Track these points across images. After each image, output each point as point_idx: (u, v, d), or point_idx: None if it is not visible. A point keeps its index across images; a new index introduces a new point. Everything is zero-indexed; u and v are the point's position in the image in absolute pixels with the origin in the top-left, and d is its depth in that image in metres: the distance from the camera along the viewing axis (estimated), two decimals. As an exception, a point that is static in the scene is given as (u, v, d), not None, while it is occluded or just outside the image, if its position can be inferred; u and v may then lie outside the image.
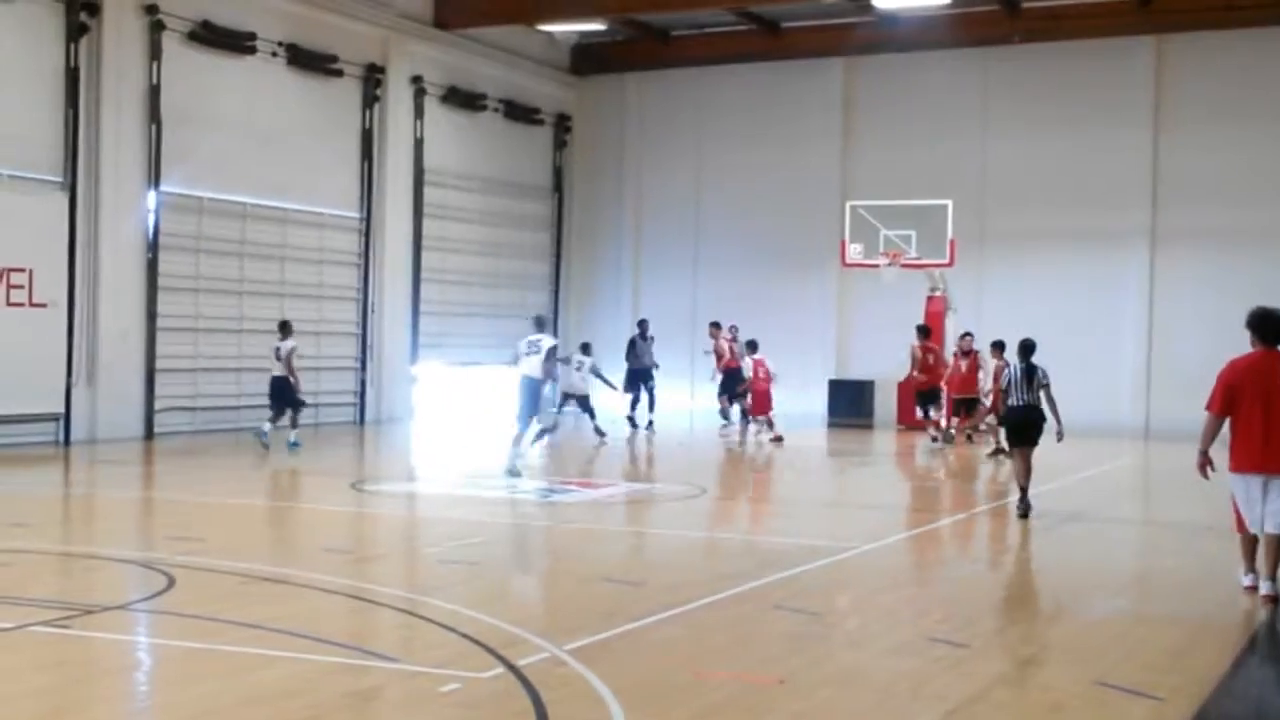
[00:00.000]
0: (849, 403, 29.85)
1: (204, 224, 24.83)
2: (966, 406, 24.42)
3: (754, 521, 16.52)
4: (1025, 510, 15.47)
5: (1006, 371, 16.15)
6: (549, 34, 32.97)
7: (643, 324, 29.02)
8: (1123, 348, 29.53)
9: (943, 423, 25.61)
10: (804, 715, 7.34)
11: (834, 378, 31.31)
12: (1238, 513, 10.96)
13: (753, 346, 25.69)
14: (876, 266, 28.11)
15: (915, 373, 26.01)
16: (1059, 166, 30.12)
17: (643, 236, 34.58)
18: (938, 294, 28.63)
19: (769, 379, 25.43)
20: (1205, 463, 10.89)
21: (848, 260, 28.84)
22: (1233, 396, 10.71)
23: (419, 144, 29.68)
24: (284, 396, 21.83)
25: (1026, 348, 15.96)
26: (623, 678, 7.83)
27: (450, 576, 11.46)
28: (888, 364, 28.12)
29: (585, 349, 26.44)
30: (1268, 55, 28.56)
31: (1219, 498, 17.85)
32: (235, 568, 11.11)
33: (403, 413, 28.89)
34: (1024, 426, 15.79)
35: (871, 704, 7.67)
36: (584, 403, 25.35)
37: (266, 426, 21.86)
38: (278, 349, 21.96)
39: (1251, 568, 10.99)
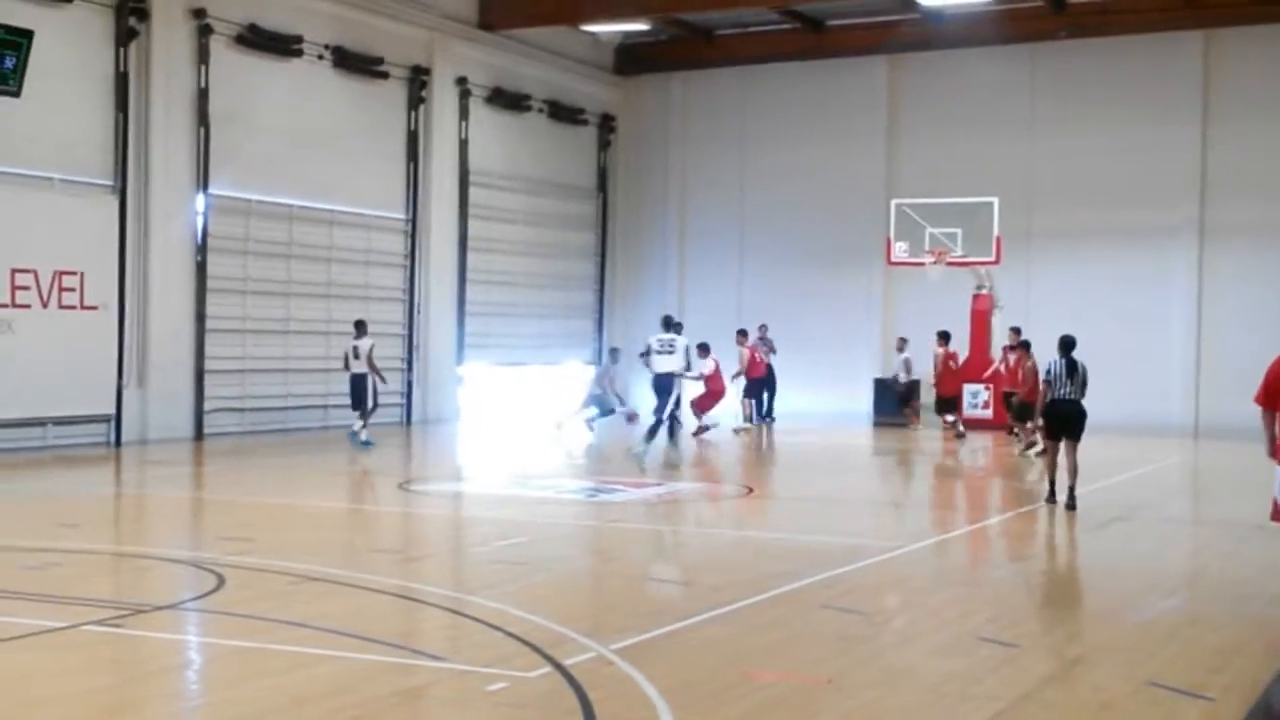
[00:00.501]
0: (894, 401, 29.72)
1: (251, 226, 25.01)
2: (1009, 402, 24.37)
3: (799, 521, 16.47)
4: (1053, 497, 16.07)
5: (1049, 366, 16.40)
6: (593, 34, 33.01)
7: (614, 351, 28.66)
8: (1171, 344, 29.29)
9: (959, 425, 25.95)
10: (853, 715, 7.33)
11: (879, 376, 31.20)
12: (1276, 504, 10.90)
13: (704, 349, 25.52)
14: (922, 265, 28.00)
15: (934, 379, 26.70)
16: (1106, 163, 29.90)
17: (687, 236, 34.56)
18: (984, 292, 28.50)
19: (720, 381, 25.63)
20: (1278, 449, 10.92)
21: (893, 258, 28.75)
22: (1272, 389, 10.80)
23: (464, 145, 29.78)
24: (363, 394, 22.53)
25: (1067, 343, 16.31)
26: (670, 678, 7.83)
27: (497, 576, 11.50)
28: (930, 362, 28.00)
29: (614, 355, 26.92)
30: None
31: (1268, 496, 17.67)
32: (284, 567, 11.19)
33: (449, 413, 28.99)
34: (1066, 419, 16.07)
35: (920, 704, 7.65)
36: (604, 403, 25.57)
37: (357, 425, 22.42)
38: (355, 348, 22.69)
39: None
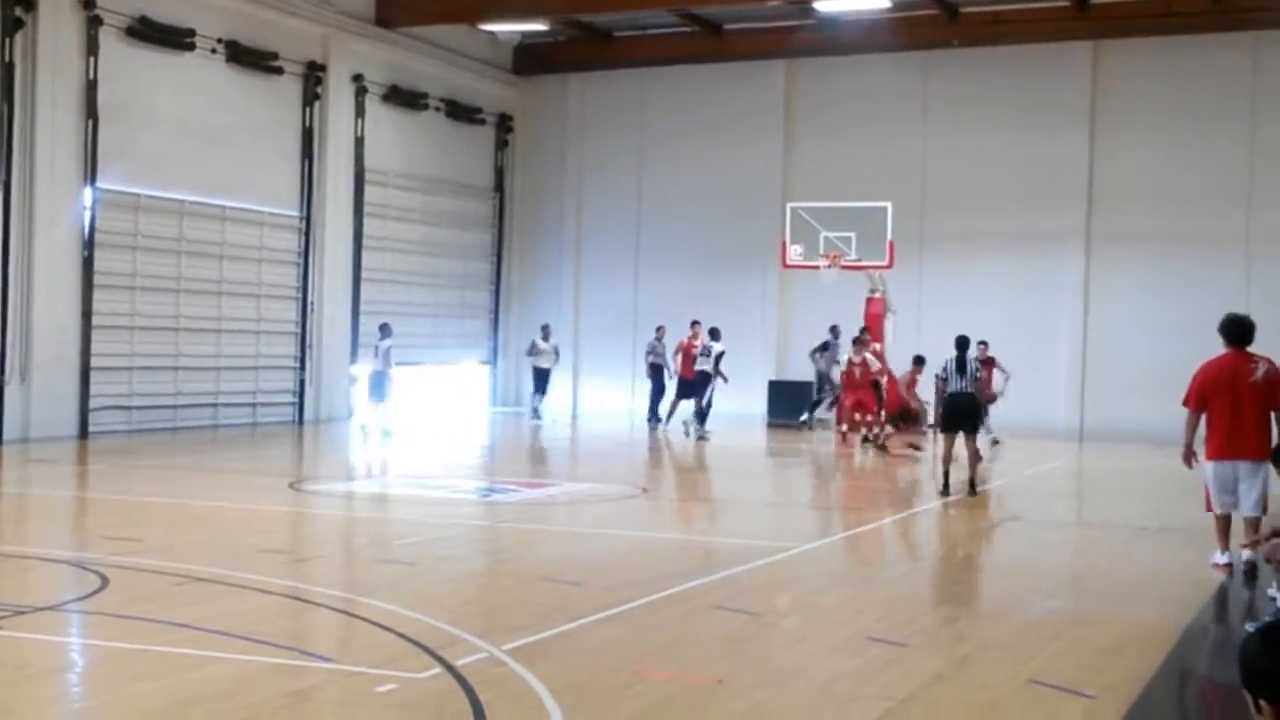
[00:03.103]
0: (789, 403, 29.93)
1: (141, 221, 24.59)
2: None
3: (693, 521, 16.56)
4: (946, 490, 17.11)
5: (944, 363, 17.67)
6: (491, 33, 32.89)
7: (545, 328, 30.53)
8: (1059, 349, 29.80)
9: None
10: (742, 715, 7.37)
11: (774, 378, 31.43)
12: (1209, 496, 12.17)
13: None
14: (817, 268, 28.22)
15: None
16: (997, 169, 30.36)
17: (584, 236, 34.57)
18: (877, 295, 28.77)
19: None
20: (1190, 454, 12.28)
21: (788, 261, 28.94)
22: (1205, 394, 11.91)
23: (360, 142, 29.53)
24: (381, 389, 25.04)
25: (961, 342, 17.75)
26: (561, 678, 7.82)
27: (388, 576, 11.41)
28: (826, 365, 28.17)
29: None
30: (1200, 61, 28.92)
31: (1152, 498, 18.10)
32: (170, 568, 11.01)
33: (342, 412, 28.73)
34: (962, 412, 17.26)
35: (810, 703, 7.71)
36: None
37: (372, 418, 25.15)
38: (376, 347, 25.31)
39: (1225, 547, 12.13)
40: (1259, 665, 3.65)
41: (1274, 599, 10.20)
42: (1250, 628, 9.01)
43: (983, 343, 24.52)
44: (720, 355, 26.85)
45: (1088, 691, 7.90)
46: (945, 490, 17.03)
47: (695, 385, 27.17)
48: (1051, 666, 8.54)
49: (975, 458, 17.41)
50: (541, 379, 30.31)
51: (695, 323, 28.26)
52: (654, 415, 28.91)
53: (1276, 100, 28.40)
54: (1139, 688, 8.04)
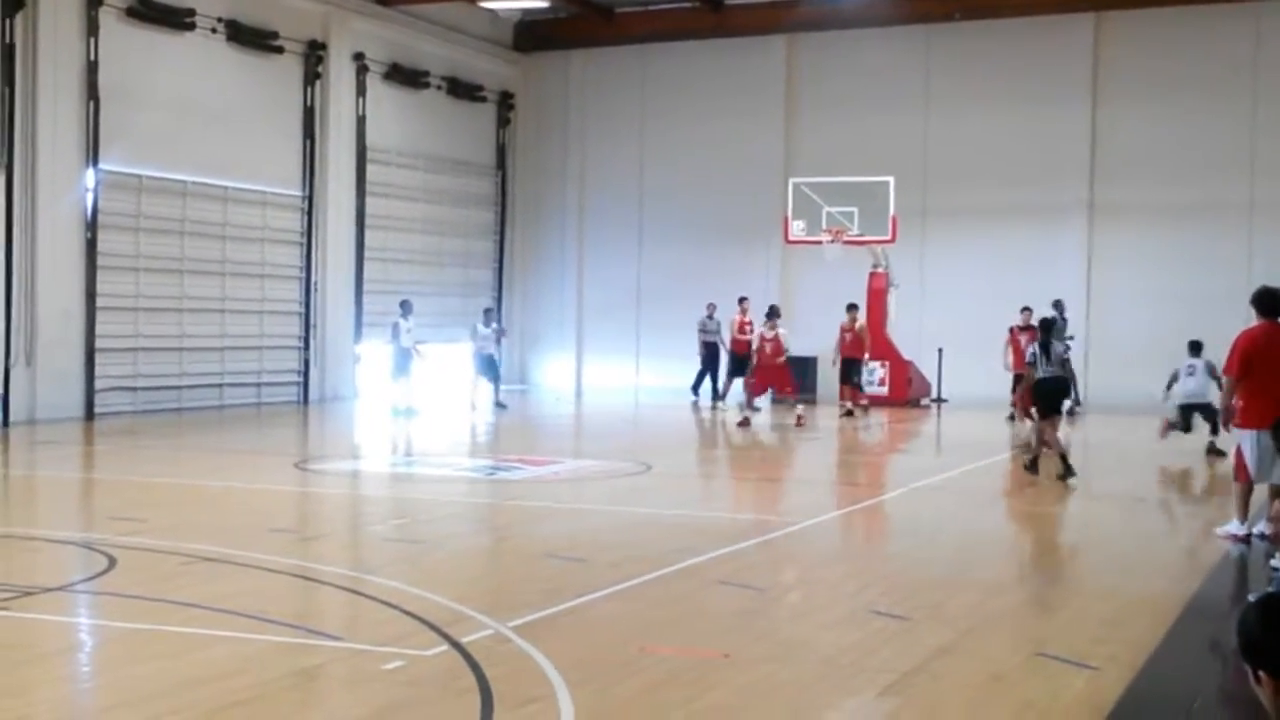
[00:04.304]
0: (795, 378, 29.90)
1: (144, 202, 24.60)
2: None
3: (698, 497, 16.59)
4: (1066, 473, 16.35)
5: (1031, 349, 17.10)
6: (492, 11, 32.83)
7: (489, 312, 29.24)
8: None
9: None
10: (748, 689, 7.41)
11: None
12: (1240, 463, 12.14)
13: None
14: (819, 243, 28.23)
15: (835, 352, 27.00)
16: (1000, 142, 30.31)
17: (586, 213, 34.56)
18: (880, 270, 28.80)
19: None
20: (1230, 418, 12.42)
21: (791, 237, 28.95)
22: (1249, 361, 11.95)
23: (361, 121, 29.50)
24: (404, 367, 25.62)
25: (1046, 324, 17.34)
26: (567, 654, 7.87)
27: (394, 554, 11.46)
28: (831, 340, 28.18)
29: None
30: (1202, 32, 28.85)
31: (1153, 470, 18.10)
32: (178, 548, 11.06)
33: (347, 392, 28.77)
34: (1052, 395, 16.76)
35: (815, 676, 7.75)
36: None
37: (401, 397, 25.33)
38: (397, 324, 25.82)
39: (1245, 518, 12.12)
40: (1257, 637, 3.66)
41: (1277, 569, 10.23)
42: (1253, 598, 9.05)
43: (1026, 309, 24.52)
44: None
45: (1091, 663, 7.94)
46: (1069, 472, 16.31)
47: (745, 361, 27.21)
48: (1055, 639, 8.58)
49: (1058, 441, 16.68)
50: (487, 366, 27.56)
51: (743, 299, 28.13)
52: (696, 392, 28.75)
53: (1277, 71, 28.32)
54: (1143, 659, 8.08)
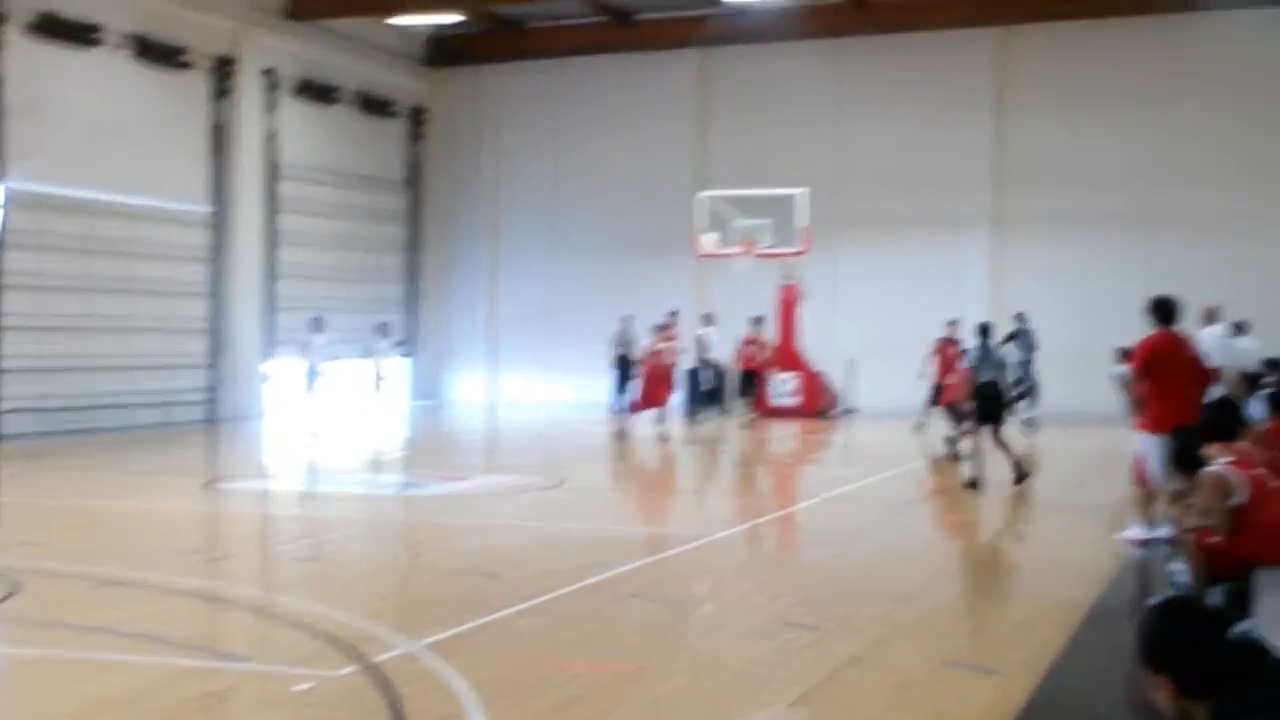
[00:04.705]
0: (705, 391, 30.02)
1: (50, 221, 24.21)
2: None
3: (611, 511, 16.60)
4: (976, 483, 16.44)
5: (971, 351, 17.18)
6: (403, 26, 32.69)
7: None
8: (967, 330, 30.08)
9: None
10: (660, 702, 7.43)
11: (690, 367, 31.48)
12: (1142, 468, 12.46)
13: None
14: (731, 256, 28.39)
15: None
16: (908, 154, 30.67)
17: (500, 228, 34.51)
18: (791, 282, 29.00)
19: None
20: (1142, 407, 12.69)
21: (702, 250, 29.09)
22: (1152, 365, 12.36)
23: (271, 137, 29.27)
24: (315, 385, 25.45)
25: (985, 329, 17.28)
26: (480, 671, 7.85)
27: (304, 574, 11.37)
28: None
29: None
30: (1104, 46, 29.41)
31: (1057, 475, 18.37)
32: (83, 571, 10.89)
33: (256, 411, 28.46)
34: (991, 401, 16.66)
35: (726, 689, 7.78)
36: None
37: None
38: (308, 342, 25.71)
39: (1147, 520, 12.36)
40: (1156, 642, 3.75)
41: (1177, 571, 10.40)
42: (1154, 600, 9.21)
43: (953, 321, 24.71)
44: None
45: (999, 669, 8.04)
46: (976, 484, 16.35)
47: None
48: (963, 646, 8.69)
49: (1006, 446, 16.65)
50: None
51: (673, 313, 28.04)
52: (618, 405, 28.63)
53: (1177, 84, 28.93)
54: (1048, 664, 8.20)
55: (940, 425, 21.85)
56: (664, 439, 23.71)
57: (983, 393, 16.65)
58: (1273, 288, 27.18)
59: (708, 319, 28.22)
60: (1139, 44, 29.22)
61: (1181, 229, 28.77)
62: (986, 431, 16.66)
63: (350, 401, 27.52)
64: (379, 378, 27.58)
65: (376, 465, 20.86)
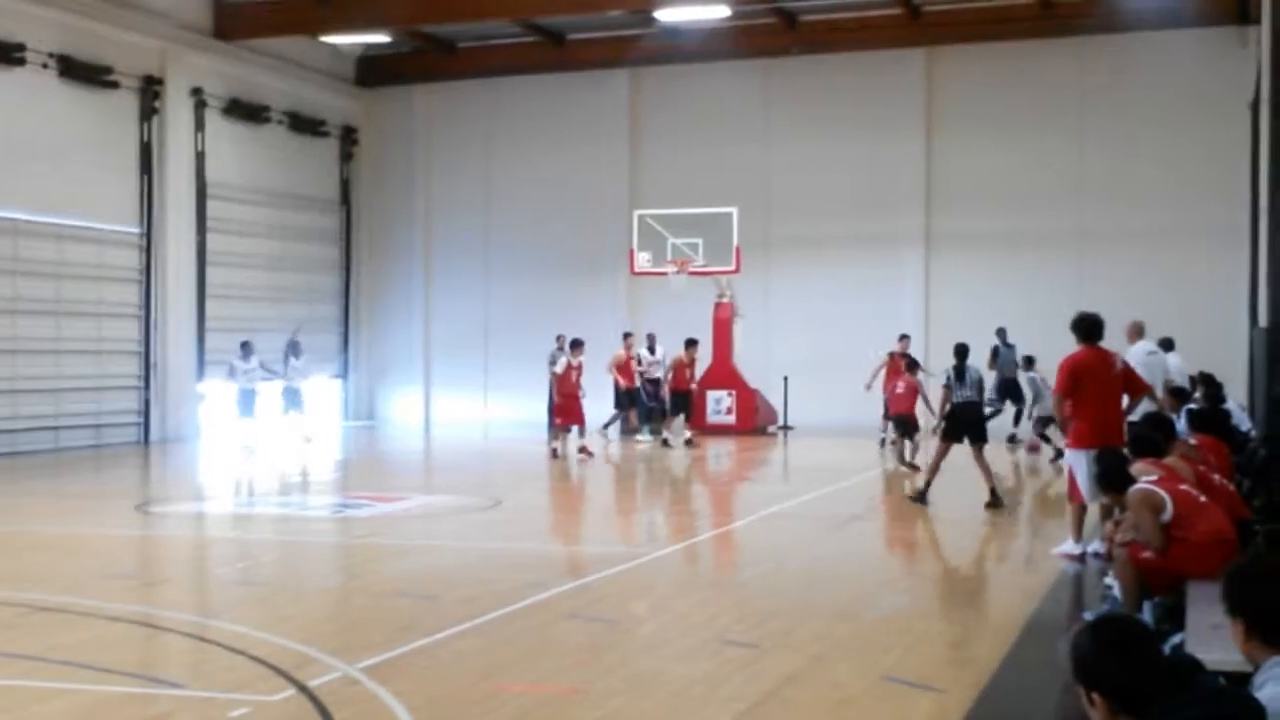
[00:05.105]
0: (640, 409, 30.01)
1: (-27, 242, 23.91)
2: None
3: (548, 531, 16.58)
4: (923, 498, 16.51)
5: (945, 371, 16.97)
6: (333, 45, 32.56)
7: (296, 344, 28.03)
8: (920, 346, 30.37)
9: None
10: (600, 722, 7.42)
11: (625, 385, 31.48)
12: (1073, 484, 12.49)
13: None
14: (664, 274, 28.48)
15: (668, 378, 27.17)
16: (839, 173, 30.91)
17: (433, 248, 34.42)
18: (725, 300, 29.11)
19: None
20: (1067, 426, 12.86)
21: (636, 268, 29.16)
22: (1075, 381, 12.47)
23: (200, 157, 29.03)
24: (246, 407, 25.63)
25: (962, 350, 17.04)
26: (417, 694, 7.81)
27: (239, 598, 11.26)
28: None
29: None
30: (1029, 66, 29.79)
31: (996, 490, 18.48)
32: (12, 598, 10.72)
33: (189, 432, 28.18)
34: (967, 422, 16.63)
35: (666, 708, 7.78)
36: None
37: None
38: (233, 365, 26.06)
39: (1079, 537, 12.45)
40: (1089, 659, 3.78)
41: (1110, 586, 10.53)
42: (1088, 616, 9.30)
43: (904, 336, 24.83)
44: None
45: (937, 685, 8.10)
46: (921, 498, 16.45)
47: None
48: (902, 662, 8.73)
49: (987, 468, 16.55)
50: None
51: (628, 334, 28.02)
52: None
53: (1102, 103, 29.34)
54: (985, 680, 8.26)
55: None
56: (586, 455, 23.72)
57: (962, 412, 16.65)
58: (1201, 302, 27.59)
59: (650, 339, 28.11)
60: (1065, 64, 29.62)
61: (1111, 244, 29.16)
62: (969, 450, 16.62)
63: (281, 423, 27.29)
64: (294, 398, 27.18)
65: (310, 487, 20.70)
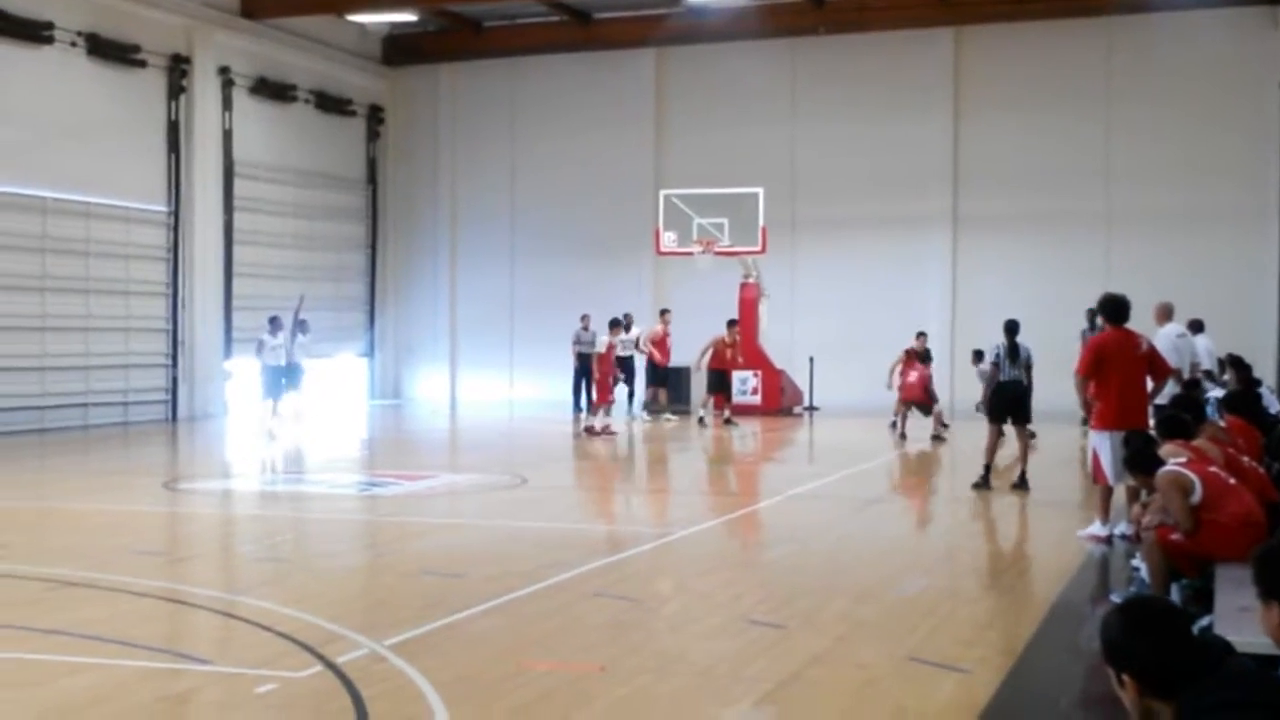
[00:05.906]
0: (666, 389, 30.01)
1: (2, 219, 24.01)
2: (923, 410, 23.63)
3: (574, 510, 16.59)
4: (987, 482, 16.17)
5: (995, 349, 16.88)
6: (360, 24, 32.58)
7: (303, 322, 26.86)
8: (928, 329, 30.21)
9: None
10: (624, 701, 7.42)
11: (660, 361, 31.47)
12: (1098, 466, 12.45)
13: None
14: (690, 254, 28.43)
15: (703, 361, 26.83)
16: (865, 154, 30.79)
17: (459, 227, 34.44)
18: (751, 280, 29.05)
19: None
20: (1090, 410, 12.89)
21: (662, 248, 29.12)
22: (1099, 363, 12.46)
23: (228, 136, 29.10)
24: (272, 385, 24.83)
25: (1012, 326, 16.91)
26: (444, 671, 7.82)
27: (266, 575, 11.30)
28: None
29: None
30: (1057, 46, 29.65)
31: (1015, 472, 18.43)
32: (41, 573, 10.79)
33: (216, 409, 28.32)
34: (1010, 400, 16.47)
35: (691, 687, 7.78)
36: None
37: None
38: (262, 341, 25.04)
39: (1106, 519, 12.44)
40: (1119, 641, 3.75)
41: (1137, 568, 10.49)
42: (1115, 598, 9.27)
43: (921, 334, 24.71)
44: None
45: (962, 666, 8.07)
46: (985, 483, 16.13)
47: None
48: (927, 643, 8.71)
49: (1025, 450, 16.41)
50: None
51: (665, 311, 28.06)
52: (577, 405, 28.44)
53: (1129, 83, 29.17)
54: (1011, 661, 8.24)
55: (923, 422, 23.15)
56: (609, 433, 23.88)
57: (1006, 391, 16.51)
58: (1228, 284, 27.43)
59: (627, 318, 27.82)
60: (1094, 43, 29.45)
61: (1138, 226, 29.02)
62: (1012, 430, 16.54)
63: (312, 401, 27.34)
64: (294, 376, 25.40)
65: (338, 465, 20.76)
